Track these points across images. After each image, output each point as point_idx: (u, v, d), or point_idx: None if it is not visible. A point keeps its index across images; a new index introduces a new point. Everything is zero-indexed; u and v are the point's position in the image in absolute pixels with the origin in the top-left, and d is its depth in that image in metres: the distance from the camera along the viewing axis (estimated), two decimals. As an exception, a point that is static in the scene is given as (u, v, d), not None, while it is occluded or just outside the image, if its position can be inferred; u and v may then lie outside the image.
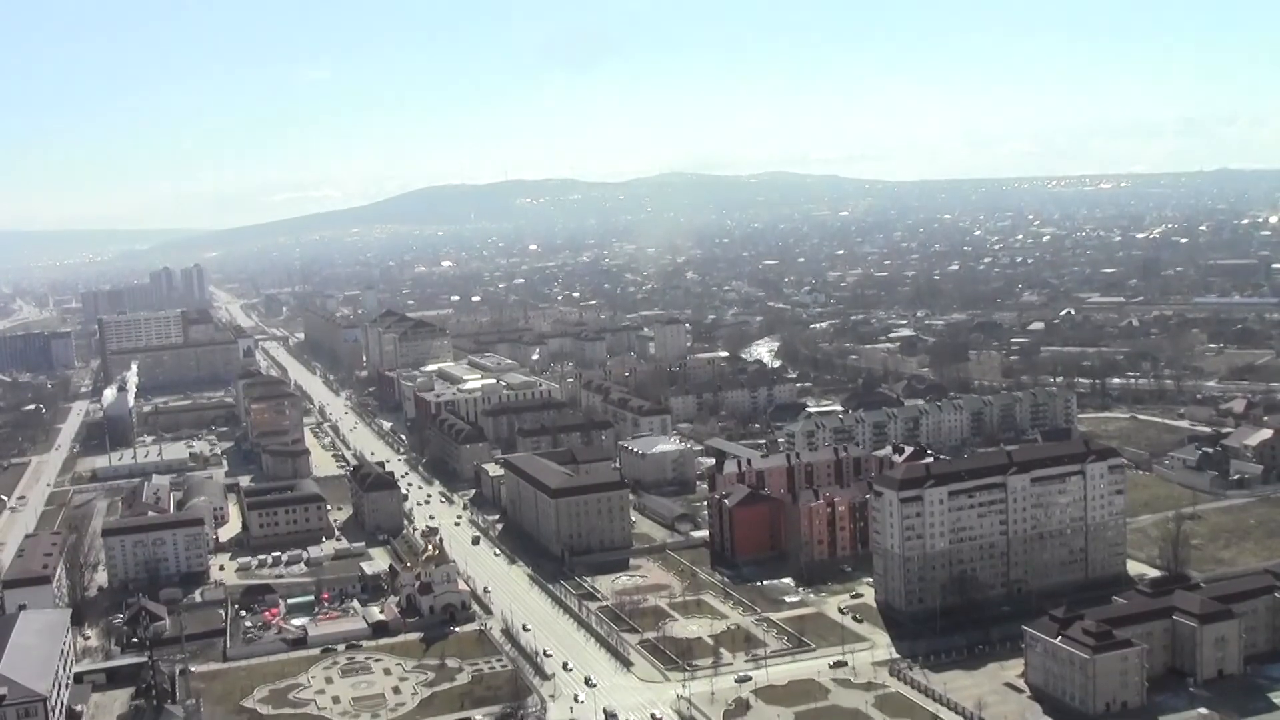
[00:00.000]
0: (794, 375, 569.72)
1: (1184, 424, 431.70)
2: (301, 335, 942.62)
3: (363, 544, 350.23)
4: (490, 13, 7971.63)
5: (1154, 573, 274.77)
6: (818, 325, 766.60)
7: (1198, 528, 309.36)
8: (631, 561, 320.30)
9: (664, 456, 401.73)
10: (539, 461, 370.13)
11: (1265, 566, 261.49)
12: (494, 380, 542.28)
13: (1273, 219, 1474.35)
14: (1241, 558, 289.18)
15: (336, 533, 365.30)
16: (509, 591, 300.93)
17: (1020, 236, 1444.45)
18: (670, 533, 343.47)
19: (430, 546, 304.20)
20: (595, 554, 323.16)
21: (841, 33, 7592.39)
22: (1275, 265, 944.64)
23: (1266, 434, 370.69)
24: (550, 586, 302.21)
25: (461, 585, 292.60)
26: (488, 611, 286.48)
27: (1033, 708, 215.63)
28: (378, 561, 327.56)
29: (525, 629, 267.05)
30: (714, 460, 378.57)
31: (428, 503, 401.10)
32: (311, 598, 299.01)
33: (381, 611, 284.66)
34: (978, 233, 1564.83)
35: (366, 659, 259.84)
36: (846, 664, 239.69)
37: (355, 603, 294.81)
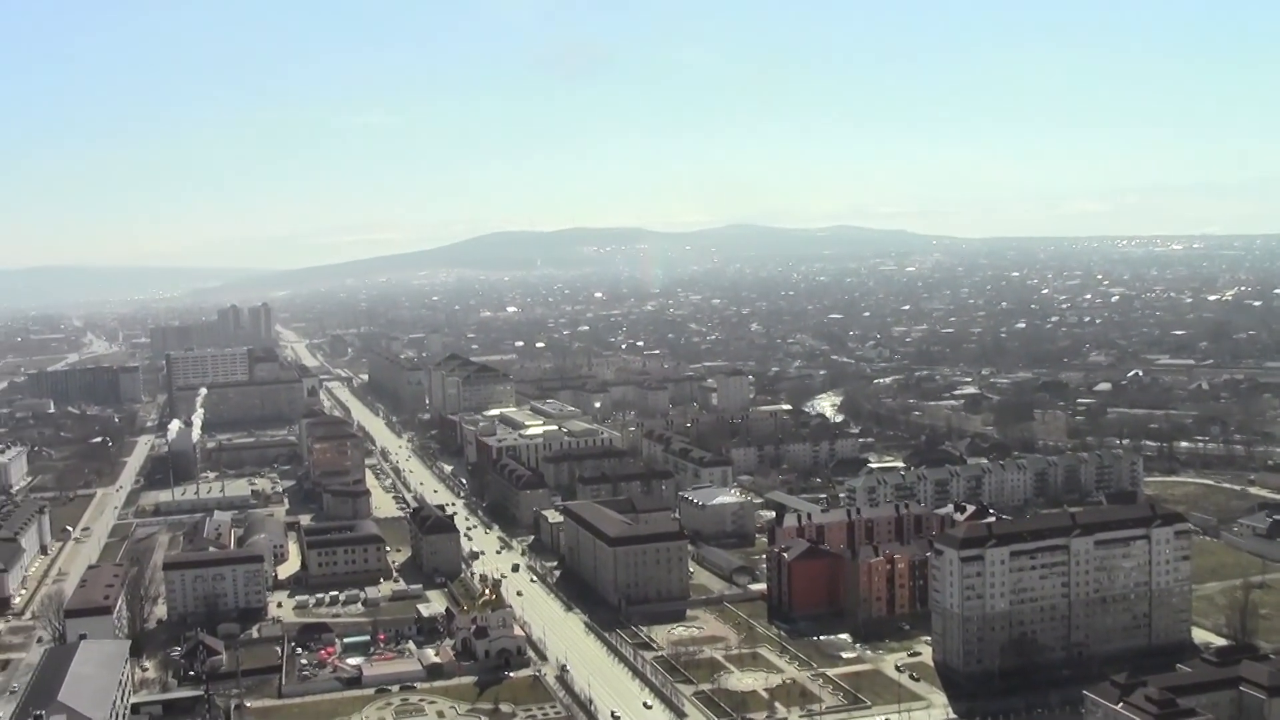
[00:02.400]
0: (856, 430, 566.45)
1: (1254, 490, 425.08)
2: (365, 376, 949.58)
3: (420, 586, 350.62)
4: (559, 62, 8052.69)
5: (1220, 641, 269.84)
6: (881, 380, 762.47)
7: (1267, 597, 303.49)
8: (688, 612, 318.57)
9: (724, 508, 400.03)
10: (598, 509, 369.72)
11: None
12: (556, 427, 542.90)
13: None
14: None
15: (395, 574, 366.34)
16: (564, 638, 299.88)
17: (1089, 296, 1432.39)
18: (728, 585, 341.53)
19: (487, 591, 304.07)
20: (652, 604, 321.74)
21: (911, 86, 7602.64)
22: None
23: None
24: (606, 635, 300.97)
25: (517, 630, 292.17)
26: (543, 658, 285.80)
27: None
28: (434, 604, 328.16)
29: (590, 686, 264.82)
30: (774, 513, 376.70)
31: (492, 554, 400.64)
32: (367, 637, 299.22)
33: (437, 654, 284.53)
34: (1045, 291, 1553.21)
35: (420, 700, 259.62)
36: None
37: (411, 644, 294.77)
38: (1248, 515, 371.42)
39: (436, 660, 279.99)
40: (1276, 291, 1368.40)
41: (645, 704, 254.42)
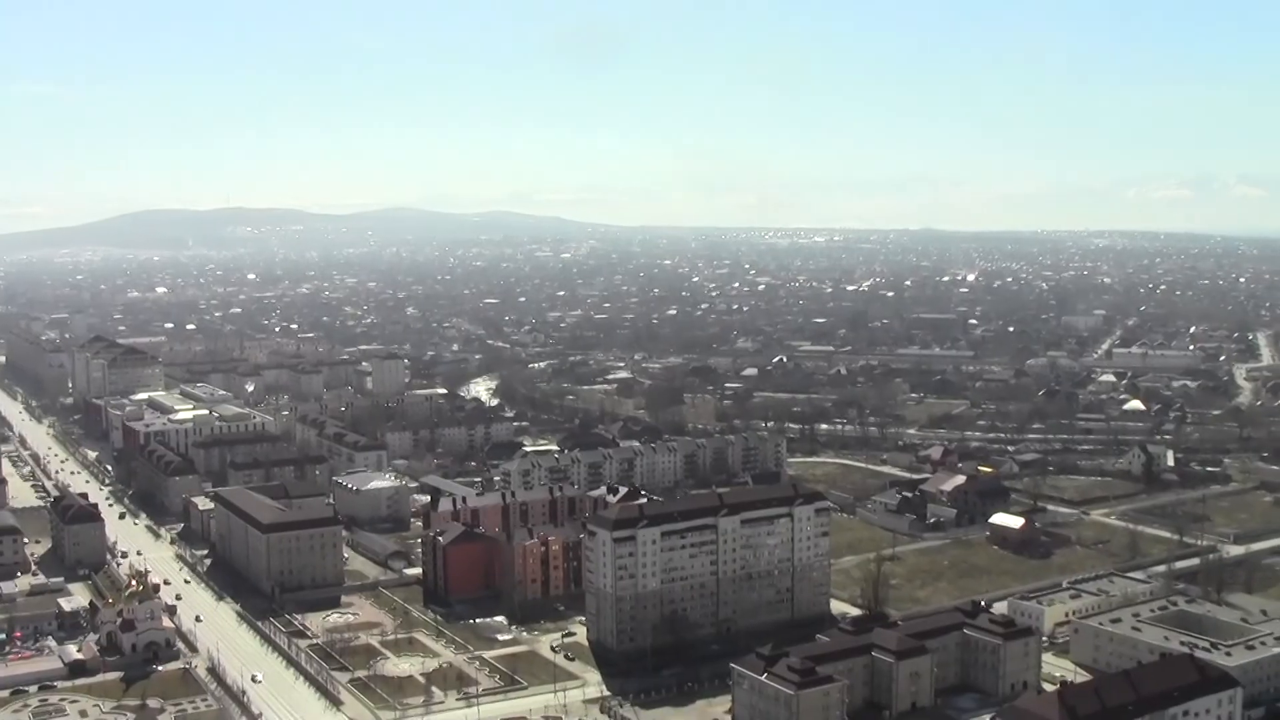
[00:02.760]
0: (511, 414, 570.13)
1: (886, 469, 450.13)
2: (2, 359, 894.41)
3: (61, 579, 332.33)
4: (218, 37, 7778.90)
5: (855, 612, 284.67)
6: (536, 365, 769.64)
7: (897, 568, 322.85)
8: (343, 599, 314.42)
9: (379, 493, 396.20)
10: (250, 495, 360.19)
11: (956, 605, 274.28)
12: (206, 411, 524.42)
13: (970, 277, 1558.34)
14: (935, 597, 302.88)
15: (33, 567, 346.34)
16: (216, 629, 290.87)
17: (737, 284, 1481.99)
18: (384, 570, 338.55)
19: (134, 582, 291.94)
20: (306, 591, 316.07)
21: (568, 74, 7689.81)
22: (972, 321, 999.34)
23: (960, 480, 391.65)
24: (259, 624, 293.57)
25: (166, 622, 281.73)
26: (193, 650, 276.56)
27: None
28: (77, 598, 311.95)
29: (256, 680, 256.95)
30: (429, 498, 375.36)
31: (140, 543, 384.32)
32: (2, 636, 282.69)
33: (79, 650, 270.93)
34: (696, 279, 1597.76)
35: (61, 700, 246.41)
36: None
37: (51, 641, 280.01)
38: (880, 493, 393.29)
39: (79, 657, 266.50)
40: (908, 283, 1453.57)
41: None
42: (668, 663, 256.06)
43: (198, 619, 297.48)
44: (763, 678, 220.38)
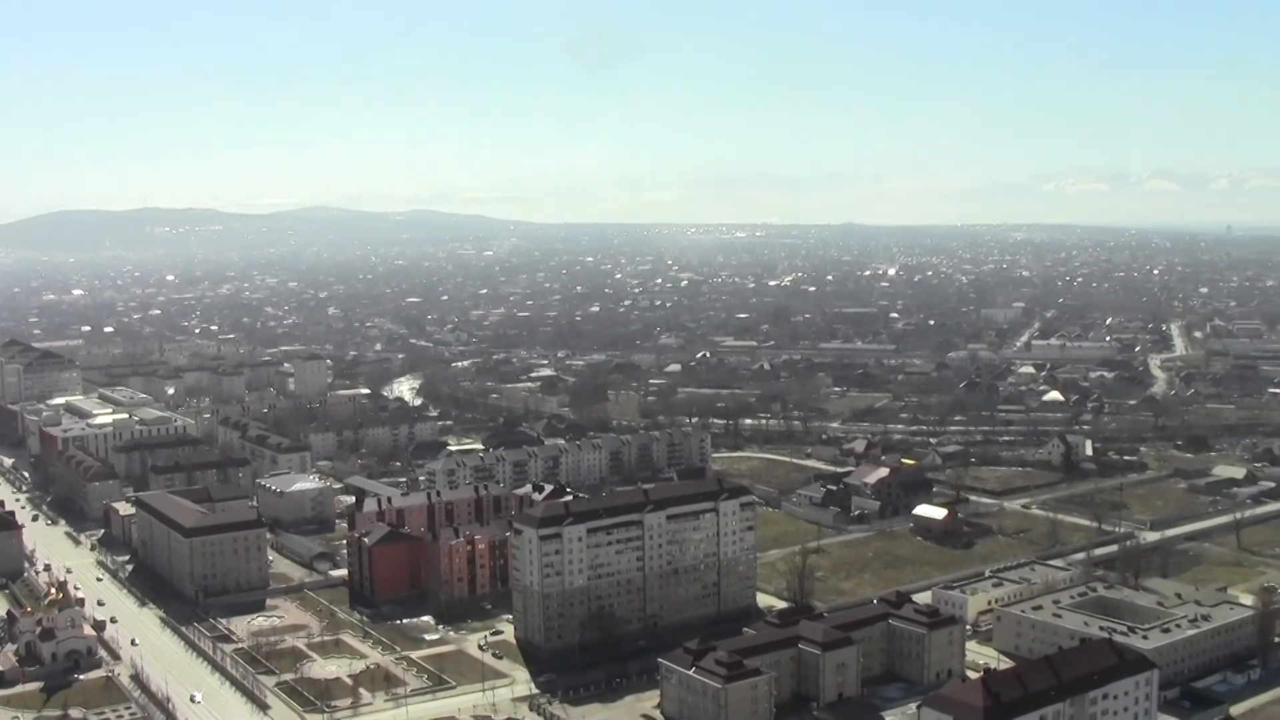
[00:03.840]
0: (435, 413, 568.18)
1: (810, 463, 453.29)
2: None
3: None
4: (130, 35, 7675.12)
5: (781, 604, 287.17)
6: (460, 364, 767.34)
7: (822, 561, 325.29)
8: (268, 602, 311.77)
9: (303, 495, 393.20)
10: (172, 500, 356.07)
11: (880, 596, 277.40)
12: (126, 415, 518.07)
13: (891, 271, 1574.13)
14: (860, 588, 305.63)
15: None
16: (140, 635, 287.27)
17: (660, 281, 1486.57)
18: (309, 572, 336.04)
19: (53, 590, 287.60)
20: (231, 595, 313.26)
21: (487, 71, 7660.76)
22: (893, 315, 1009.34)
23: (883, 472, 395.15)
24: (183, 629, 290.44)
25: (87, 630, 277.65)
26: (115, 657, 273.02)
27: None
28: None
29: (194, 700, 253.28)
30: (354, 498, 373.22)
31: (59, 550, 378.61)
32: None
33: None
34: (619, 276, 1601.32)
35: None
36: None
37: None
38: (805, 486, 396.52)
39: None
40: (830, 278, 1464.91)
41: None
42: (596, 659, 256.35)
43: (113, 622, 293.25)
44: (690, 672, 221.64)
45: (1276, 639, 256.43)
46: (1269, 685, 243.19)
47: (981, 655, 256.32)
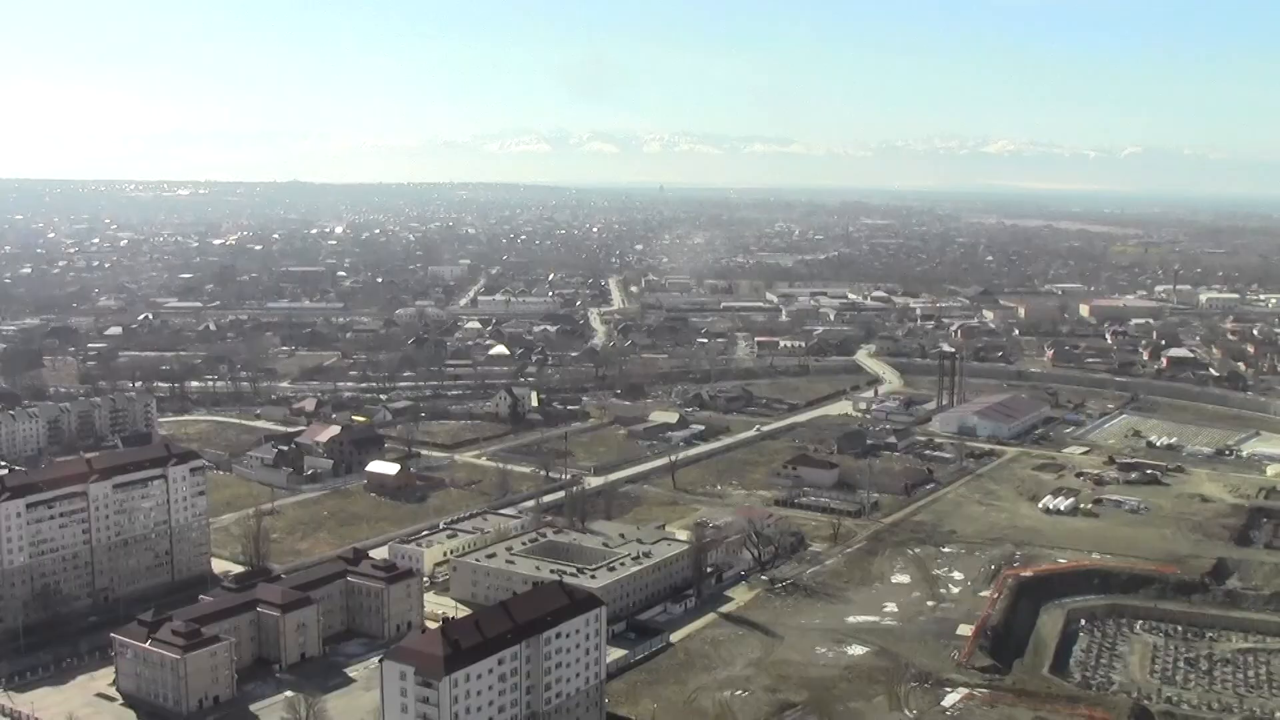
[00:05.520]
0: None
1: (261, 424, 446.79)
2: None
3: None
4: None
5: (238, 569, 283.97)
6: None
7: (277, 522, 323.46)
8: None
9: None
10: None
11: (338, 554, 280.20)
12: None
13: (338, 229, 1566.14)
14: (317, 547, 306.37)
15: None
16: None
17: (97, 240, 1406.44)
18: None
19: None
20: None
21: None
22: (341, 273, 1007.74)
23: (334, 430, 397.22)
24: None
25: None
26: None
27: (126, 715, 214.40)
28: None
29: None
30: None
31: None
32: None
33: None
34: (52, 235, 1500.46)
35: None
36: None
37: None
38: (256, 448, 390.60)
39: None
40: (276, 236, 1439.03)
41: None
42: (43, 641, 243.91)
43: None
44: (146, 645, 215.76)
45: (708, 569, 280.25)
46: (703, 612, 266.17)
47: (440, 605, 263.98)
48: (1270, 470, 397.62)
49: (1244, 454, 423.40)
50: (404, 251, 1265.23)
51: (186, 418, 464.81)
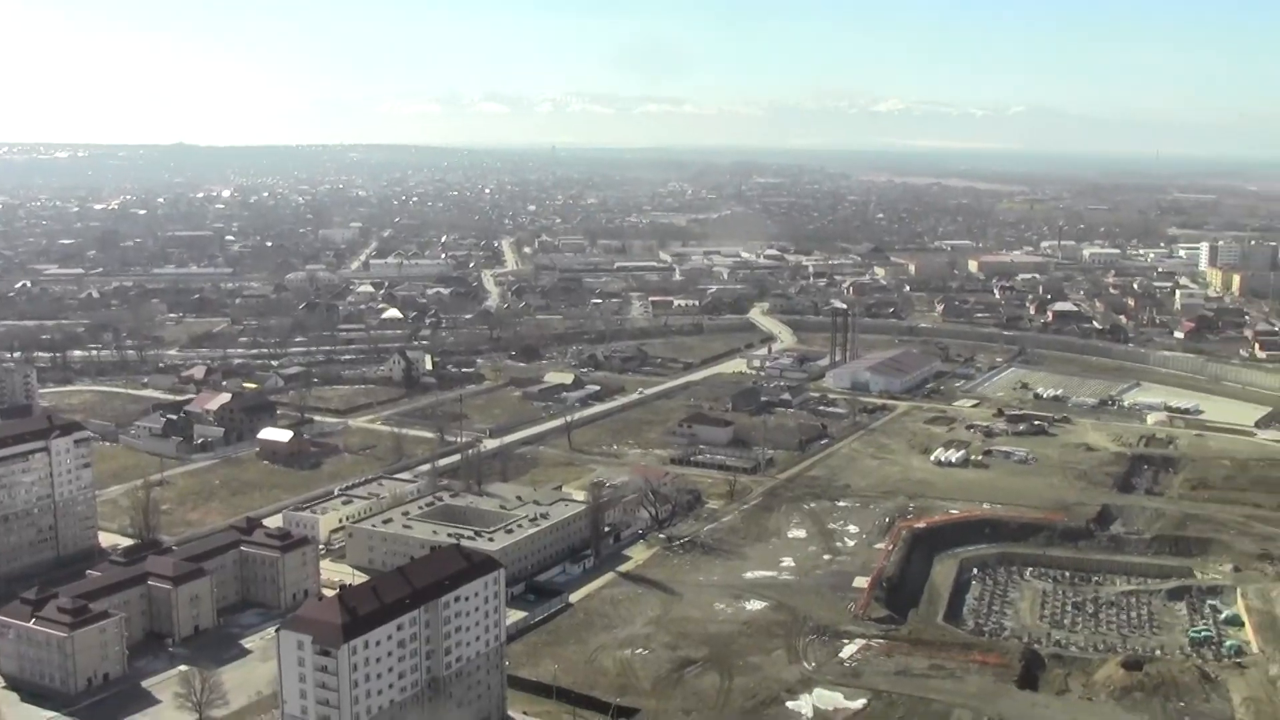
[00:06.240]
0: None
1: (148, 393, 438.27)
2: None
3: None
4: None
5: (127, 542, 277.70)
6: None
7: (167, 493, 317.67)
8: None
9: None
10: None
11: (231, 523, 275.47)
12: None
13: (226, 193, 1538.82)
14: (209, 517, 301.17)
15: None
16: None
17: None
18: None
19: None
20: None
21: None
22: (229, 237, 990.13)
23: (225, 398, 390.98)
24: None
25: None
26: None
27: (9, 698, 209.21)
28: None
29: None
30: None
31: None
32: None
33: None
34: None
35: None
36: None
37: None
38: (144, 417, 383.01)
39: None
40: (161, 200, 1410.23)
41: None
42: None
43: None
44: (30, 624, 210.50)
45: (606, 529, 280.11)
46: (601, 572, 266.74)
47: (337, 573, 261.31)
48: (1150, 419, 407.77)
49: (1125, 404, 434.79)
50: (294, 215, 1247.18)
51: (69, 388, 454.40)
